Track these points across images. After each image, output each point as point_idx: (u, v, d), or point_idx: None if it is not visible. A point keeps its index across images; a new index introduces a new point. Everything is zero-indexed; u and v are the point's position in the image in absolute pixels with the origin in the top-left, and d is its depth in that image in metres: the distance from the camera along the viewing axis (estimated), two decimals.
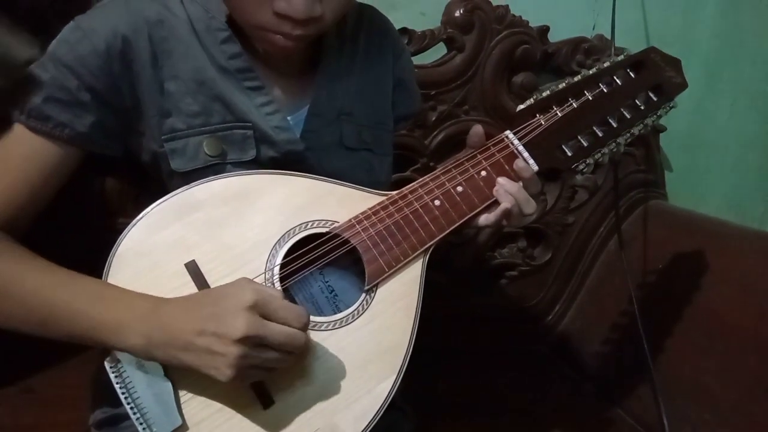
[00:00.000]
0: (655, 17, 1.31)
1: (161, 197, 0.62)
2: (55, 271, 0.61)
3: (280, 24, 0.60)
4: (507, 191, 0.68)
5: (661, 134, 1.33)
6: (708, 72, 1.39)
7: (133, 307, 0.58)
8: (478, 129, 0.70)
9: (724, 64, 1.40)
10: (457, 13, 1.13)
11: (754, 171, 1.50)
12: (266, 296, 0.54)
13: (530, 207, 0.69)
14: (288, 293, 0.65)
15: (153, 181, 0.69)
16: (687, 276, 1.05)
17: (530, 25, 1.18)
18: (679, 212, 1.25)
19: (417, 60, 1.11)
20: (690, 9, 1.34)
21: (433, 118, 1.15)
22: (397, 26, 1.05)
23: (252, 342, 0.53)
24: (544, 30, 1.20)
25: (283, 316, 0.55)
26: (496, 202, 0.69)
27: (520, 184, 0.69)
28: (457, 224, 0.68)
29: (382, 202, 0.67)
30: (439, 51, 1.15)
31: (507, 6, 1.16)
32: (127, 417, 0.59)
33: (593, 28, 1.26)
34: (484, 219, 0.69)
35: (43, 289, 0.59)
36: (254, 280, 0.59)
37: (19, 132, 0.63)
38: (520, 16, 1.17)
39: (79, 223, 0.93)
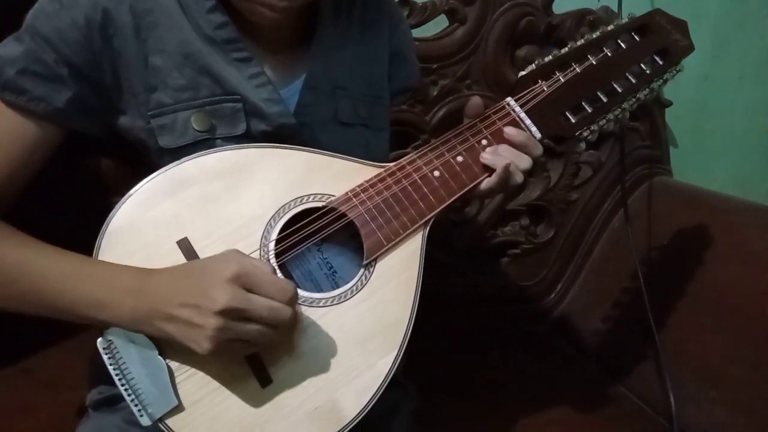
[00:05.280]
0: None
1: None
2: (38, 245, 0.60)
3: None
4: (499, 153, 0.67)
5: (666, 109, 1.30)
6: (715, 46, 1.37)
7: (118, 279, 0.57)
8: (476, 99, 0.69)
9: (732, 38, 1.37)
10: None
11: (760, 147, 1.49)
12: (250, 268, 0.53)
13: (525, 161, 0.67)
14: (285, 269, 0.63)
15: (148, 160, 0.67)
16: (692, 252, 1.04)
17: None
18: (684, 188, 1.24)
19: (418, 33, 1.09)
20: None
21: (434, 93, 1.13)
22: None
23: (232, 314, 0.52)
24: (548, 1, 1.17)
25: (267, 289, 0.53)
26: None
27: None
28: (458, 195, 0.66)
29: (380, 174, 0.65)
30: (440, 23, 1.13)
31: None
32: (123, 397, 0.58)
33: (598, 0, 1.23)
34: (486, 183, 0.67)
35: (25, 262, 0.58)
36: (249, 255, 0.58)
37: None
38: None
39: (76, 202, 0.92)
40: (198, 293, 0.53)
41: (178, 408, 0.57)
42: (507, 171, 0.66)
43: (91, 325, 0.59)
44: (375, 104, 0.76)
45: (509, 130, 0.68)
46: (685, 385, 0.96)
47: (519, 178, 0.67)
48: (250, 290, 0.53)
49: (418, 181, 0.65)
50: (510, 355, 1.15)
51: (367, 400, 0.59)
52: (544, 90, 0.70)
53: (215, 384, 0.58)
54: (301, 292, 0.61)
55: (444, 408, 0.94)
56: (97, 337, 0.58)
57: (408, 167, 0.66)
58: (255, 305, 0.53)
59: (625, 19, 0.74)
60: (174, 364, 0.57)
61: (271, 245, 0.61)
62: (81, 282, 0.57)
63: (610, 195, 1.27)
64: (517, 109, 0.69)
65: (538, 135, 0.69)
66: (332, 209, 0.63)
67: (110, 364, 0.57)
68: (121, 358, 0.57)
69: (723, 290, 0.97)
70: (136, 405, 0.56)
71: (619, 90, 0.71)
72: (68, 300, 0.57)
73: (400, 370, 0.62)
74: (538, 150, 0.68)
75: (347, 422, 0.59)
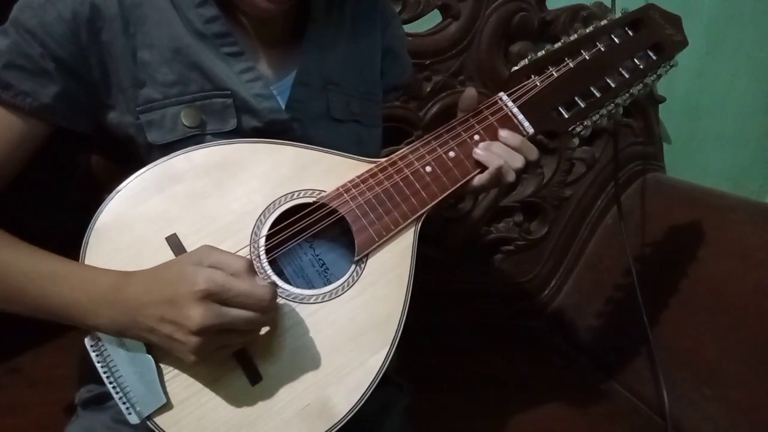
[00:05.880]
0: None
1: None
2: (20, 246, 0.59)
3: None
4: (493, 152, 0.66)
5: (660, 105, 1.30)
6: (709, 41, 1.37)
7: (96, 285, 0.55)
8: (471, 92, 0.68)
9: (725, 34, 1.38)
10: None
11: (752, 144, 1.49)
12: (221, 283, 0.51)
13: (518, 161, 0.67)
14: (276, 266, 0.62)
15: (137, 156, 0.66)
16: (686, 249, 1.04)
17: None
18: (677, 185, 1.24)
19: (411, 28, 1.09)
20: None
21: (428, 89, 1.13)
22: None
23: (211, 330, 0.51)
24: None
25: (242, 302, 0.52)
26: None
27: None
28: (450, 191, 0.66)
29: (371, 169, 0.65)
30: (433, 19, 1.12)
31: None
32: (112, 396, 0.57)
33: None
34: (478, 180, 0.67)
35: (7, 263, 0.57)
36: (237, 252, 0.58)
37: None
38: None
39: (66, 200, 0.91)
40: (173, 310, 0.51)
41: (167, 406, 0.56)
42: (500, 170, 0.65)
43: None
44: (367, 100, 0.76)
45: (504, 133, 0.67)
46: (678, 382, 0.96)
47: (511, 177, 0.67)
48: (224, 304, 0.51)
49: (410, 176, 0.65)
50: (504, 352, 1.15)
51: (358, 397, 0.59)
52: (536, 85, 0.69)
53: (204, 382, 0.57)
54: (291, 288, 0.60)
55: (437, 405, 0.93)
56: (86, 336, 0.57)
57: (399, 162, 0.65)
58: (232, 319, 0.52)
59: (618, 14, 0.74)
60: (162, 363, 0.57)
61: (262, 241, 0.60)
62: (61, 286, 0.56)
63: (603, 191, 1.27)
64: (510, 104, 0.68)
65: (531, 130, 0.68)
66: (323, 205, 0.62)
67: (98, 362, 0.56)
68: (109, 356, 0.56)
69: (717, 287, 0.97)
70: (124, 403, 0.56)
71: (613, 85, 0.71)
72: (53, 303, 0.56)
73: (392, 367, 0.62)
74: (534, 154, 0.68)
75: (338, 420, 0.58)
